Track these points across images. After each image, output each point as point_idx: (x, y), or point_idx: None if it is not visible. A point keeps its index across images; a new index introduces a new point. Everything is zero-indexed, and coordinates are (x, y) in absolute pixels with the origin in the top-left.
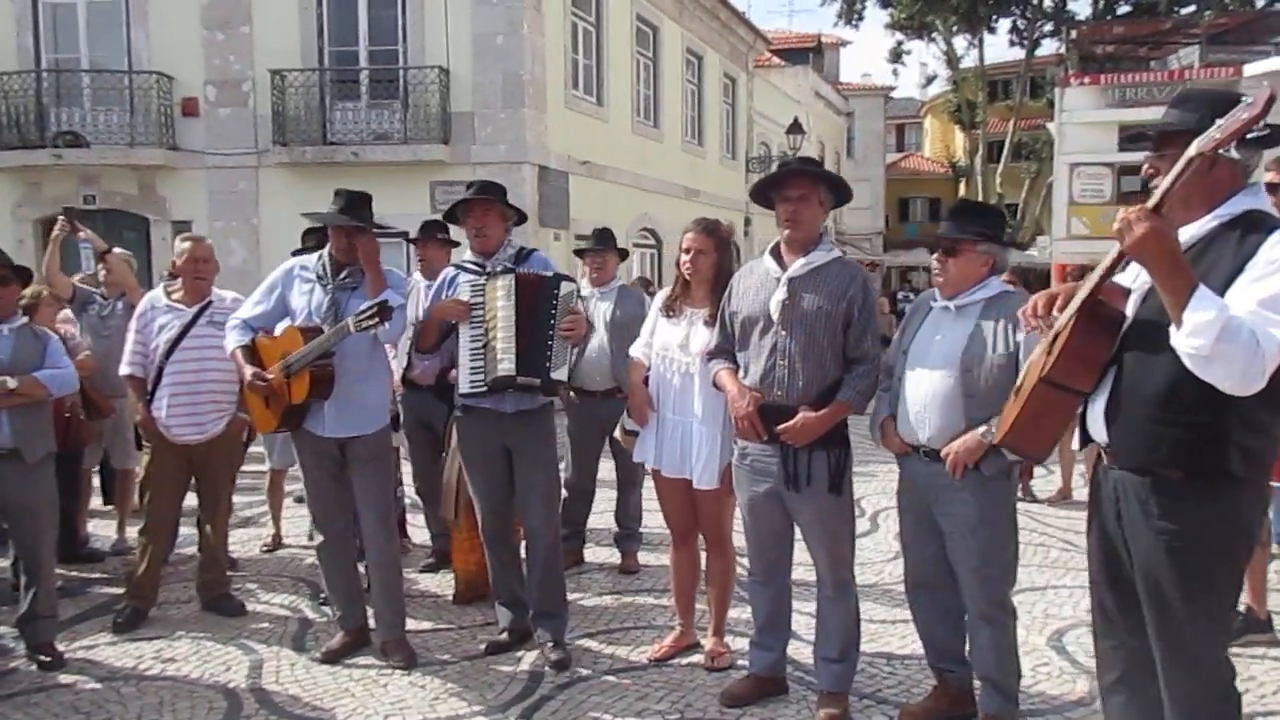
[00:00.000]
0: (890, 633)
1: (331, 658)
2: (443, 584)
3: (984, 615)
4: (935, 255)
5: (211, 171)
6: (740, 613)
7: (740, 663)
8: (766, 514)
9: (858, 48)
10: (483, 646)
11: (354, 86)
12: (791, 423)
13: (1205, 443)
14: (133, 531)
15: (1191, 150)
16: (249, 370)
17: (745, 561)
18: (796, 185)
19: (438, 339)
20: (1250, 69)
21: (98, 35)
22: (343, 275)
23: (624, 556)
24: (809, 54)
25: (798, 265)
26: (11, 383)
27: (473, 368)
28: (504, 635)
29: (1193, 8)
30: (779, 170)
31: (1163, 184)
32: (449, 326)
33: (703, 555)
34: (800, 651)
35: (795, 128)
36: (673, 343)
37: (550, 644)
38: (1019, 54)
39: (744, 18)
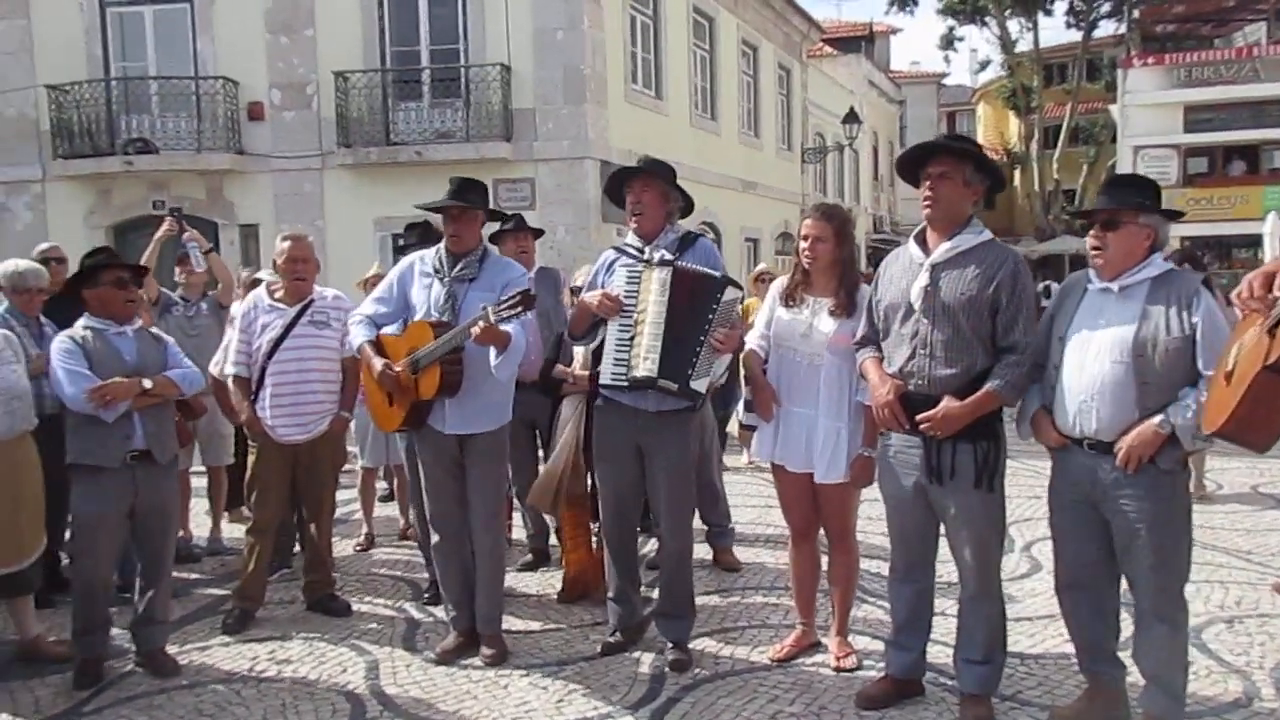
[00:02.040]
0: (1018, 630)
1: (446, 658)
2: (543, 582)
3: (1159, 613)
4: (1092, 232)
5: (277, 174)
6: (861, 612)
7: (866, 662)
8: (910, 508)
9: (907, 35)
10: (598, 648)
11: (416, 86)
12: (934, 411)
13: None
14: (228, 530)
15: None
16: (379, 362)
17: (867, 564)
18: (938, 162)
19: (588, 327)
20: None
21: (164, 43)
22: (459, 267)
23: (720, 553)
24: (861, 42)
25: (942, 250)
26: (147, 382)
27: (616, 359)
28: (615, 635)
29: None
30: (922, 144)
31: None
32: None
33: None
34: (935, 652)
35: (851, 117)
36: (795, 333)
37: (671, 644)
38: (1075, 36)
39: (798, 6)
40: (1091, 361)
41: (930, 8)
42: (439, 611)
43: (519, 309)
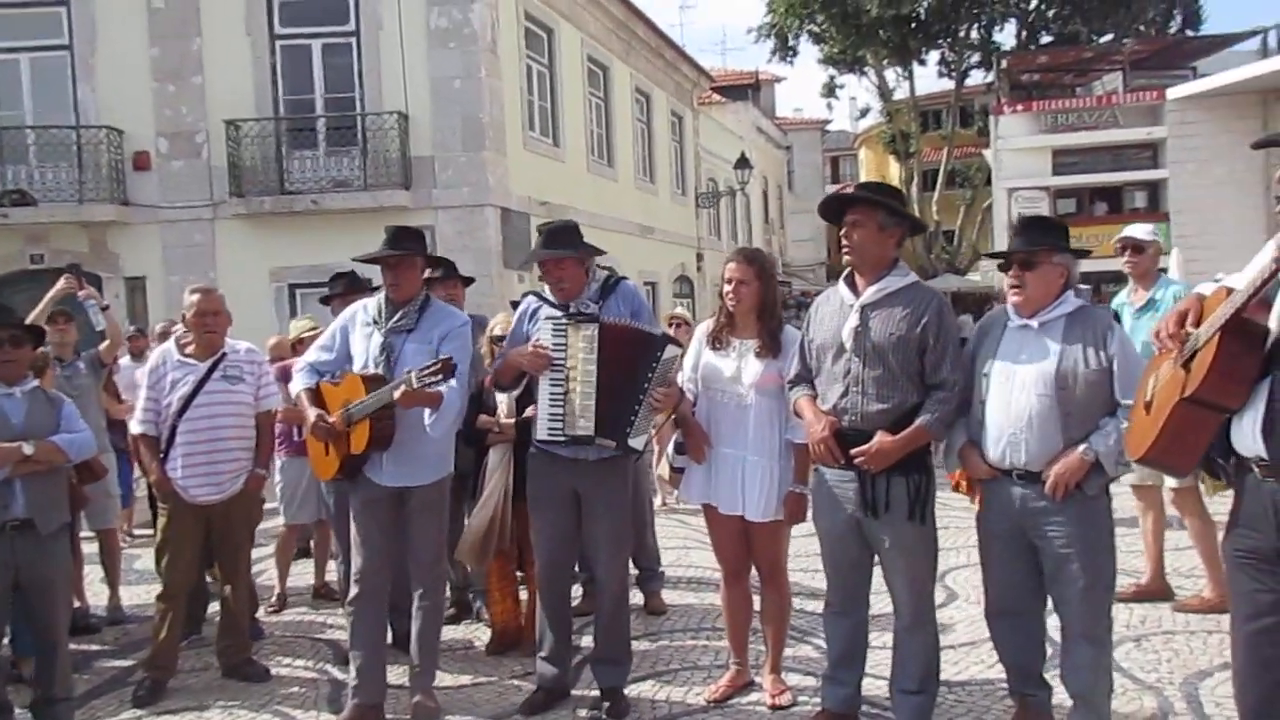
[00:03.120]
0: (942, 659)
1: None
2: (468, 634)
3: (1087, 635)
4: (1010, 272)
5: (166, 225)
6: (791, 649)
7: (800, 699)
8: (845, 542)
9: (791, 83)
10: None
11: (310, 135)
12: (867, 446)
13: None
14: (128, 596)
15: None
16: (313, 412)
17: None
18: (852, 211)
19: (515, 378)
20: (1173, 93)
21: (43, 90)
22: (398, 318)
23: (649, 597)
24: (748, 90)
25: (870, 292)
26: (28, 448)
27: (551, 414)
28: (538, 694)
29: (1111, 36)
30: (835, 195)
31: None
32: None
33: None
34: (866, 685)
35: (743, 162)
36: (723, 375)
37: (609, 689)
38: (948, 85)
39: (687, 56)
40: (1017, 395)
41: (811, 57)
42: None
43: (439, 376)
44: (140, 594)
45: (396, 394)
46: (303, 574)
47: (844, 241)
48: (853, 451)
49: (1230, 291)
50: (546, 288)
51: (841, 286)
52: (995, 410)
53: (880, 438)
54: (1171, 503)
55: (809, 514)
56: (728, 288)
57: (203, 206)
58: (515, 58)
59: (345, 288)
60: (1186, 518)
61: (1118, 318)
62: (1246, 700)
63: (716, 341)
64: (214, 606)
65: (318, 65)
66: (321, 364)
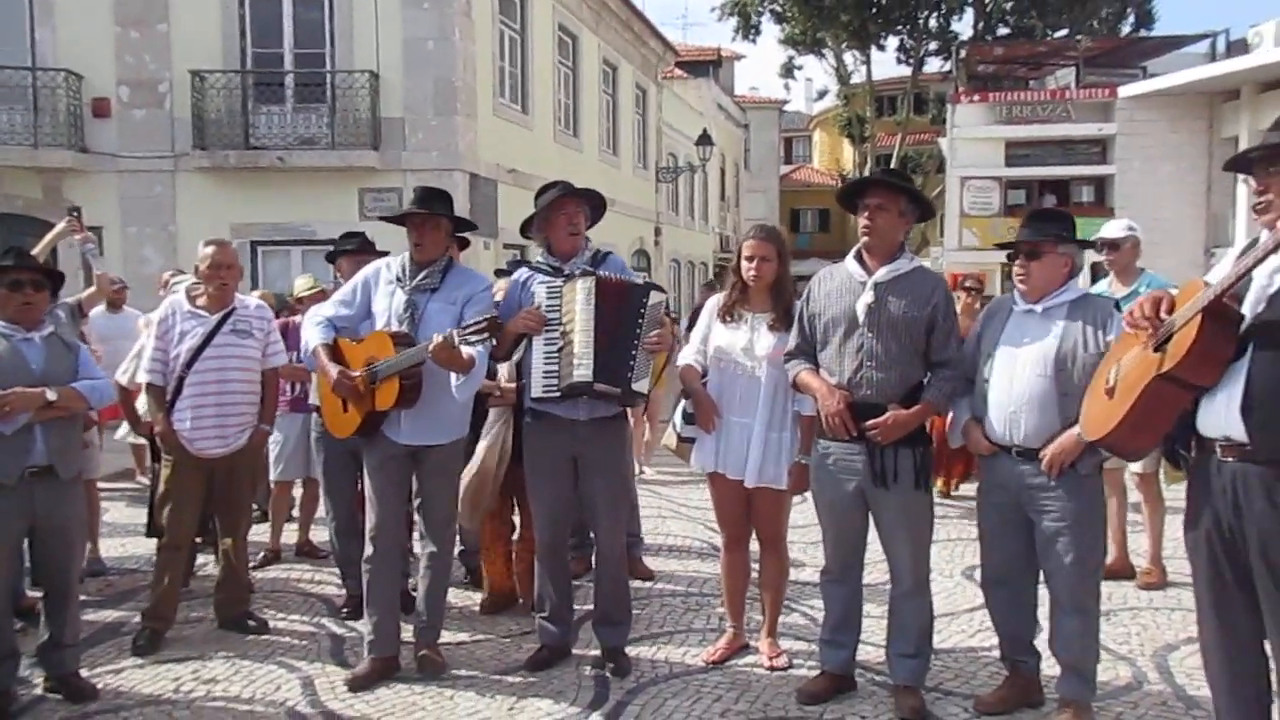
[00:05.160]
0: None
1: (359, 684)
2: (460, 596)
3: (1077, 605)
4: (1016, 261)
5: (125, 175)
6: (784, 616)
7: (796, 661)
8: (847, 512)
9: (747, 62)
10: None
11: (279, 90)
12: (883, 419)
13: None
14: (108, 549)
15: None
16: (334, 369)
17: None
18: (875, 194)
19: (511, 347)
20: (1124, 91)
21: None
22: (421, 276)
23: (634, 564)
24: (710, 67)
25: (884, 271)
26: (51, 394)
27: (546, 371)
28: (543, 651)
29: (1065, 32)
30: (861, 178)
31: None
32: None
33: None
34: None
35: (705, 139)
36: (735, 347)
37: (611, 649)
38: (905, 71)
39: (655, 29)
40: (1018, 376)
41: (771, 37)
42: (361, 626)
43: (485, 335)
44: (114, 547)
45: (430, 348)
46: (286, 533)
47: (866, 223)
48: (867, 424)
49: (1207, 285)
50: (540, 254)
51: (851, 264)
52: (998, 390)
53: (894, 411)
54: (1136, 486)
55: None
56: (748, 264)
57: (164, 158)
58: (489, 22)
59: (358, 246)
60: (1145, 501)
61: (1118, 306)
62: (1213, 669)
63: (728, 315)
64: (200, 560)
65: (288, 19)
66: (340, 319)
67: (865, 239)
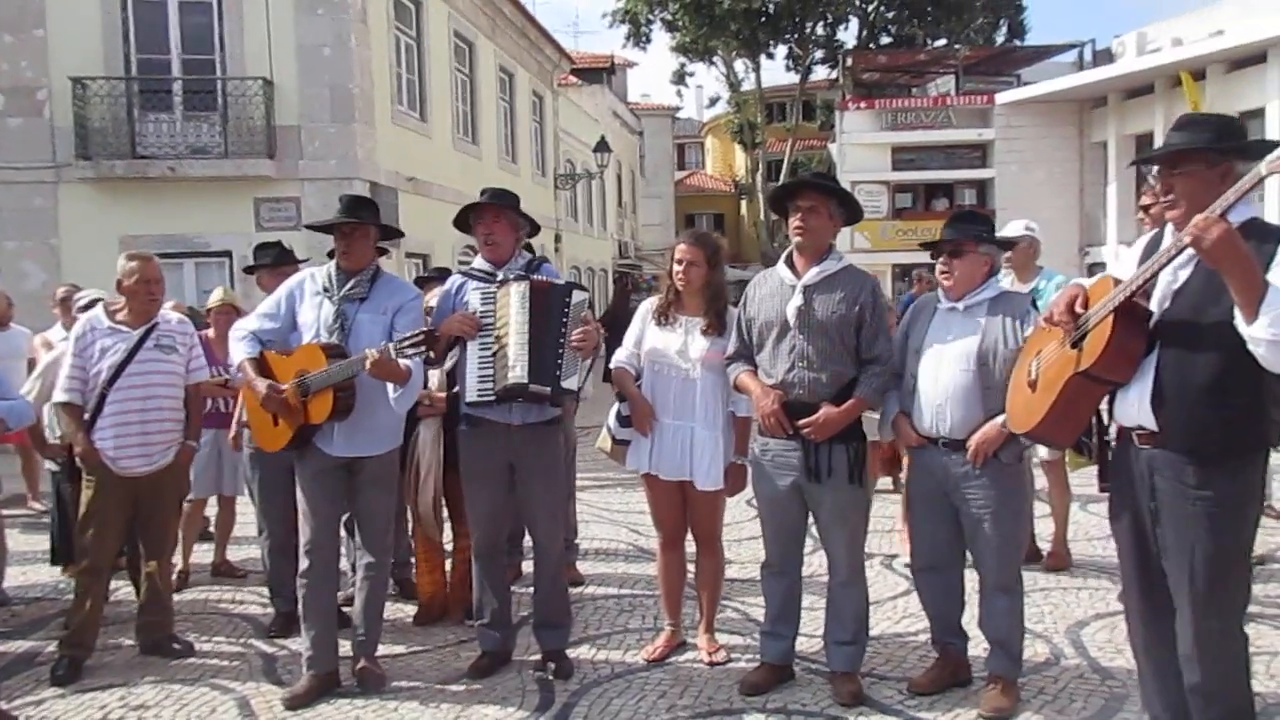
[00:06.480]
0: None
1: (298, 703)
2: (391, 609)
3: (1002, 587)
4: (940, 259)
5: (2, 187)
6: (719, 613)
7: (734, 655)
8: (786, 507)
9: (640, 69)
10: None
11: (166, 97)
12: (814, 417)
13: (1250, 421)
14: (9, 576)
15: (1263, 169)
16: (263, 383)
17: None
18: (807, 197)
19: (444, 351)
20: (1001, 97)
21: None
22: (350, 286)
23: (566, 569)
24: (604, 74)
25: (812, 273)
26: None
27: (481, 376)
28: (484, 658)
29: (944, 41)
30: (793, 181)
31: (1228, 197)
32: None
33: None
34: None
35: (602, 145)
36: (670, 349)
37: (552, 651)
38: (794, 79)
39: (550, 37)
40: (944, 371)
41: (663, 44)
42: (291, 644)
43: (421, 348)
44: (15, 575)
45: (368, 364)
46: (202, 553)
47: (798, 224)
48: (800, 422)
49: (1117, 282)
50: (477, 258)
51: (782, 268)
52: (925, 384)
53: (825, 409)
54: (1044, 473)
55: (748, 483)
56: (678, 268)
57: (44, 169)
58: (384, 28)
59: (275, 258)
60: (1052, 486)
61: (1035, 304)
62: (1136, 639)
63: (662, 317)
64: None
65: (174, 24)
66: (265, 332)
67: (798, 239)
